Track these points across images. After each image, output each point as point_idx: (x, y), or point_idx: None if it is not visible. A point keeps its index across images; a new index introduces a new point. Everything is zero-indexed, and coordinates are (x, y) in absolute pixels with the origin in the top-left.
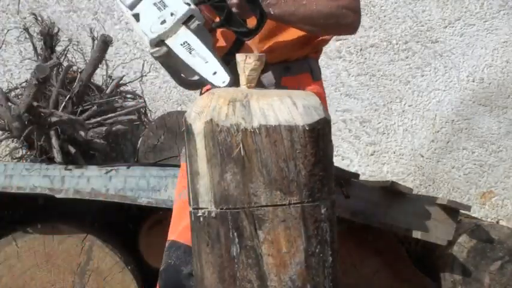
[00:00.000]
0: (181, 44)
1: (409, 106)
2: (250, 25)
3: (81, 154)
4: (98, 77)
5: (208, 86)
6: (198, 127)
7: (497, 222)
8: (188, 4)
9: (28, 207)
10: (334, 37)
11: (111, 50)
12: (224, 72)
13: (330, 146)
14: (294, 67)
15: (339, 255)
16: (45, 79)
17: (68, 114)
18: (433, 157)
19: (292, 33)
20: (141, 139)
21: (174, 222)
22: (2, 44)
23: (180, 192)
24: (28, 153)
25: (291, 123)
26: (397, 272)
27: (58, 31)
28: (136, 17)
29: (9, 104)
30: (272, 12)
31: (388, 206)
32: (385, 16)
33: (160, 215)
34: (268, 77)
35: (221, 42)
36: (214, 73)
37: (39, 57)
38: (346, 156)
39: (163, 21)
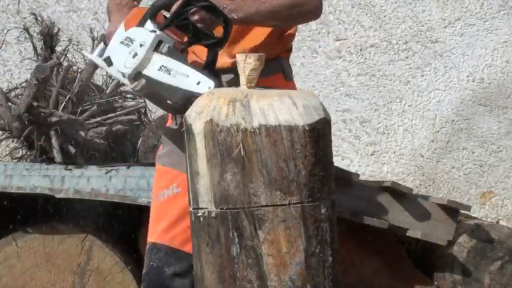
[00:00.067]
0: (158, 69)
1: (409, 106)
2: (218, 34)
3: (81, 154)
4: (98, 77)
5: None
6: (198, 127)
7: (497, 222)
8: (154, 31)
9: (28, 207)
10: (334, 37)
11: None
12: (207, 79)
13: (330, 146)
14: (266, 68)
15: (339, 255)
16: (45, 79)
17: (68, 114)
18: (433, 157)
19: (259, 34)
20: (141, 139)
21: (153, 224)
22: (2, 44)
23: (157, 193)
24: (28, 153)
25: (291, 123)
26: (397, 272)
27: (58, 31)
28: (108, 60)
29: (9, 104)
30: (236, 17)
31: (388, 206)
32: (385, 16)
33: None
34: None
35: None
36: (198, 83)
37: (39, 57)
38: (346, 156)
39: (135, 54)
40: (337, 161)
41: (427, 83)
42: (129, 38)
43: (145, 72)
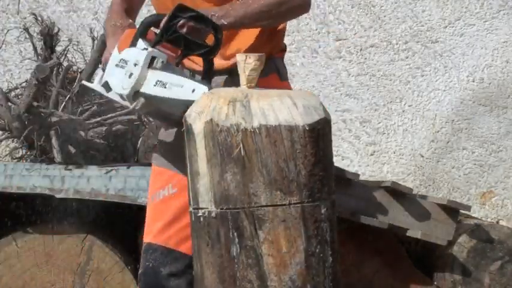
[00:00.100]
0: (154, 85)
1: (409, 106)
2: (211, 41)
3: (81, 154)
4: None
5: None
6: (198, 127)
7: (497, 222)
8: (146, 49)
9: (28, 207)
10: (334, 37)
11: None
12: (201, 85)
13: (330, 146)
14: None
15: (339, 255)
16: (45, 79)
17: (68, 114)
18: (433, 157)
19: (250, 33)
20: (141, 139)
21: (148, 224)
22: (2, 44)
23: (152, 194)
24: (28, 153)
25: (291, 123)
26: (397, 272)
27: (58, 31)
28: (106, 85)
29: (9, 104)
30: (225, 23)
31: (388, 206)
32: (385, 16)
33: None
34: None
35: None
36: (193, 90)
37: (39, 57)
38: (346, 156)
39: (131, 74)
40: (337, 161)
41: (427, 83)
42: (123, 60)
43: (142, 90)
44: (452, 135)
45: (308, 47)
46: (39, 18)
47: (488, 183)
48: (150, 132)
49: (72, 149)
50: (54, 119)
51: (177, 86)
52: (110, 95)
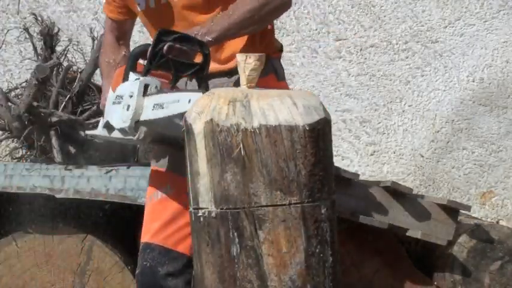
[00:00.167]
0: (152, 109)
1: (409, 106)
2: (199, 60)
3: (81, 154)
4: (98, 77)
5: None
6: (198, 127)
7: (497, 222)
8: (138, 79)
9: (28, 207)
10: (334, 37)
11: None
12: (196, 93)
13: (330, 146)
14: None
15: (339, 255)
16: (45, 79)
17: (68, 114)
18: (433, 157)
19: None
20: None
21: (146, 224)
22: (2, 44)
23: (150, 194)
24: (28, 153)
25: (291, 123)
26: (397, 272)
27: (58, 31)
28: (108, 126)
29: (9, 104)
30: (210, 39)
31: (388, 206)
32: (385, 16)
33: None
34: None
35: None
36: (189, 101)
37: (39, 57)
38: (346, 156)
39: (128, 107)
40: (337, 161)
41: (427, 83)
42: (119, 96)
43: (142, 118)
44: (452, 135)
45: (308, 47)
46: (39, 18)
47: (488, 183)
48: None
49: (72, 149)
50: (54, 119)
51: (173, 103)
52: (114, 134)
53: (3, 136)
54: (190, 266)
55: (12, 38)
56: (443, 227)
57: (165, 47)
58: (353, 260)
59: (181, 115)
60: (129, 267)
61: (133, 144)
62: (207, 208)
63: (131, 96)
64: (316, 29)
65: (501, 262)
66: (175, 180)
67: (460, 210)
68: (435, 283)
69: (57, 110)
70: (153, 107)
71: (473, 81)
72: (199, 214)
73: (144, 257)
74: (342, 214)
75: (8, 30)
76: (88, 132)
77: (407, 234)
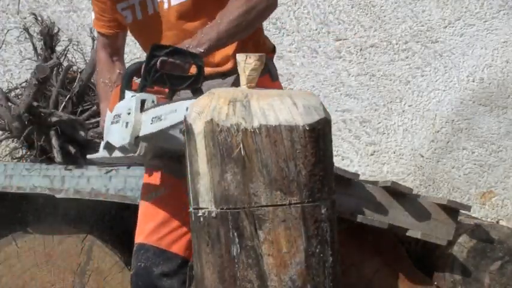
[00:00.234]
0: (151, 123)
1: (409, 106)
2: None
3: (81, 154)
4: None
5: None
6: (198, 127)
7: (497, 222)
8: (134, 95)
9: (28, 207)
10: (334, 37)
11: None
12: (192, 100)
13: (330, 146)
14: None
15: (339, 255)
16: (45, 79)
17: (68, 114)
18: (433, 157)
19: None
20: None
21: (140, 225)
22: (2, 44)
23: (145, 195)
24: (28, 153)
25: (291, 123)
26: (397, 272)
27: (58, 31)
28: (108, 146)
29: (9, 104)
30: (202, 50)
31: (388, 206)
32: (385, 16)
33: None
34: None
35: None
36: (187, 109)
37: (39, 57)
38: (346, 156)
39: (127, 124)
40: (337, 161)
41: (427, 83)
42: (116, 115)
43: (141, 133)
44: (452, 135)
45: (308, 47)
46: (39, 18)
47: (488, 183)
48: None
49: (72, 149)
50: (54, 119)
51: (171, 113)
52: (114, 155)
53: (3, 136)
54: (185, 266)
55: (12, 38)
56: (443, 227)
57: (158, 62)
58: (353, 260)
59: (181, 124)
60: (129, 267)
61: (135, 162)
62: (207, 208)
63: (129, 113)
64: (316, 29)
65: (501, 262)
66: (169, 182)
67: (460, 210)
68: (435, 283)
69: (57, 110)
70: (152, 120)
71: (473, 81)
72: (199, 214)
73: (138, 257)
74: (342, 214)
75: (8, 30)
76: (89, 156)
77: (407, 234)
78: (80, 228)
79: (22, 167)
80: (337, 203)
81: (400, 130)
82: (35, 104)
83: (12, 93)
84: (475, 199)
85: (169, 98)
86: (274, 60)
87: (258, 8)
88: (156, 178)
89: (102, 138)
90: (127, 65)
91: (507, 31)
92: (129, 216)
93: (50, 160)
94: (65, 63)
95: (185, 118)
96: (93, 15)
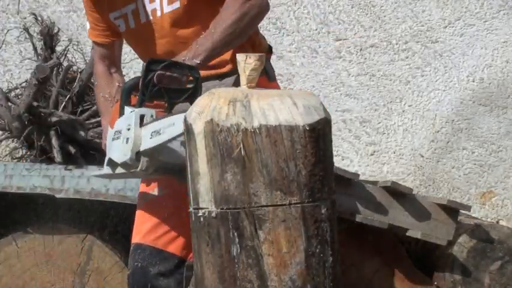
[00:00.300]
0: (150, 138)
1: (409, 106)
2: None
3: (81, 154)
4: None
5: None
6: (198, 127)
7: (497, 222)
8: (133, 111)
9: (28, 207)
10: (334, 37)
11: None
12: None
13: (330, 146)
14: None
15: (339, 255)
16: (45, 79)
17: (68, 114)
18: (433, 157)
19: None
20: None
21: (137, 225)
22: (2, 44)
23: (142, 195)
24: (28, 153)
25: (291, 123)
26: (397, 272)
27: (58, 31)
28: (111, 162)
29: (9, 104)
30: (198, 61)
31: (388, 206)
32: (385, 16)
33: None
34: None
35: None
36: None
37: (39, 57)
38: (346, 156)
39: (127, 139)
40: (337, 161)
41: (427, 83)
42: (117, 131)
43: (142, 148)
44: (452, 135)
45: (308, 47)
46: (39, 18)
47: (488, 183)
48: None
49: (72, 149)
50: (54, 119)
51: (169, 127)
52: (117, 171)
53: (3, 136)
54: (182, 266)
55: (12, 38)
56: (443, 227)
57: (155, 77)
58: (353, 260)
59: (180, 137)
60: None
61: (138, 177)
62: (207, 208)
63: (129, 129)
64: (316, 29)
65: (501, 262)
66: (166, 182)
67: (460, 210)
68: (435, 283)
69: (57, 110)
70: (151, 135)
71: (473, 81)
72: (200, 214)
73: (135, 257)
74: (342, 214)
75: (8, 30)
76: (93, 173)
77: (407, 234)
78: (80, 228)
79: (22, 167)
80: (337, 203)
81: (400, 130)
82: (35, 104)
83: (12, 93)
84: (475, 199)
85: (168, 111)
86: (274, 60)
87: (250, 14)
88: (153, 179)
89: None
90: (127, 65)
91: (507, 31)
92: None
93: (50, 160)
94: (65, 63)
95: (185, 118)
96: (88, 25)
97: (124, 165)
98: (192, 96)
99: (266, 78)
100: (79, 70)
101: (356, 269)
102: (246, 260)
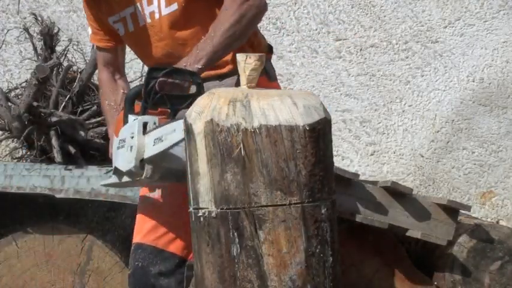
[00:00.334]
0: (153, 145)
1: (409, 106)
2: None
3: (81, 154)
4: None
5: None
6: (198, 127)
7: (497, 222)
8: (136, 119)
9: (28, 207)
10: (334, 37)
11: None
12: None
13: (330, 146)
14: None
15: (339, 255)
16: (45, 79)
17: (68, 114)
18: (433, 157)
19: None
20: None
21: (138, 225)
22: (2, 44)
23: (143, 195)
24: (28, 153)
25: (291, 123)
26: (397, 272)
27: (58, 31)
28: (117, 171)
29: (9, 104)
30: (200, 66)
31: (388, 206)
32: (385, 16)
33: None
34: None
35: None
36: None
37: (39, 57)
38: (346, 156)
39: (131, 148)
40: (337, 161)
41: (427, 83)
42: (121, 140)
43: (146, 156)
44: (452, 135)
45: (308, 47)
46: (39, 18)
47: (488, 183)
48: None
49: (72, 149)
50: (54, 119)
51: (171, 133)
52: (124, 179)
53: (3, 136)
54: (182, 266)
55: (12, 38)
56: (443, 227)
57: (157, 84)
58: (353, 260)
59: (182, 142)
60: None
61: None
62: (207, 208)
63: (132, 137)
64: (316, 29)
65: (501, 262)
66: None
67: (460, 210)
68: (435, 283)
69: (57, 110)
70: (154, 142)
71: (473, 81)
72: (200, 214)
73: (135, 257)
74: (342, 214)
75: (8, 30)
76: (102, 182)
77: (407, 234)
78: (80, 228)
79: (22, 167)
80: (337, 203)
81: (400, 130)
82: (35, 104)
83: (12, 93)
84: (475, 199)
85: (172, 117)
86: (274, 60)
87: (248, 16)
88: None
89: (102, 138)
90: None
91: (507, 31)
92: (130, 216)
93: (50, 160)
94: (65, 63)
95: (185, 118)
96: (89, 30)
97: (129, 173)
98: (194, 102)
99: (267, 78)
100: (79, 70)
101: (356, 269)
102: (246, 260)
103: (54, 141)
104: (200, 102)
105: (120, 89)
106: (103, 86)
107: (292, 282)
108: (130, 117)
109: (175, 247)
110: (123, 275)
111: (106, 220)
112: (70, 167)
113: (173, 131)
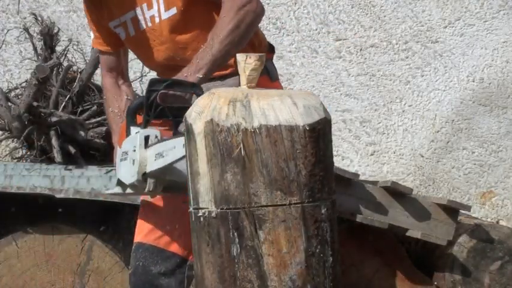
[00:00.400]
0: (155, 160)
1: (409, 106)
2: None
3: (81, 154)
4: (98, 77)
5: None
6: (198, 127)
7: (497, 222)
8: (138, 132)
9: (28, 207)
10: (334, 37)
11: None
12: None
13: (330, 146)
14: None
15: (339, 255)
16: (45, 79)
17: (68, 114)
18: (433, 157)
19: None
20: None
21: (139, 225)
22: (2, 44)
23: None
24: (28, 153)
25: (291, 123)
26: (397, 272)
27: (58, 31)
28: (120, 183)
29: (9, 104)
30: (201, 76)
31: (388, 206)
32: (385, 16)
33: None
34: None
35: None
36: (184, 145)
37: (39, 57)
38: (346, 156)
39: (134, 161)
40: (337, 161)
41: (427, 83)
42: (124, 152)
43: (148, 170)
44: (452, 135)
45: (308, 47)
46: (39, 18)
47: (488, 183)
48: None
49: (72, 149)
50: (54, 119)
51: (171, 150)
52: (127, 191)
53: (3, 136)
54: (183, 265)
55: (12, 38)
56: (443, 227)
57: (158, 96)
58: (353, 260)
59: (183, 159)
60: (129, 267)
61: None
62: (207, 208)
63: (134, 151)
64: (316, 29)
65: (501, 262)
66: None
67: (460, 210)
68: (435, 283)
69: (57, 110)
70: (155, 157)
71: (473, 81)
72: (200, 214)
73: (136, 256)
74: (342, 214)
75: (8, 30)
76: (107, 191)
77: (407, 234)
78: (80, 228)
79: (22, 167)
80: (337, 203)
81: (400, 130)
82: (35, 104)
83: (12, 93)
84: (475, 199)
85: (174, 130)
86: (274, 60)
87: (246, 21)
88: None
89: (102, 138)
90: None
91: (507, 31)
92: (130, 216)
93: (50, 160)
94: (65, 63)
95: (185, 118)
96: (92, 34)
97: (132, 186)
98: None
99: (268, 78)
100: (79, 70)
101: (356, 269)
102: (246, 260)
103: (54, 141)
104: (200, 102)
105: (124, 94)
106: (107, 92)
107: (292, 282)
108: (133, 130)
109: (176, 247)
110: (123, 275)
111: (106, 220)
112: (70, 167)
113: (173, 148)
